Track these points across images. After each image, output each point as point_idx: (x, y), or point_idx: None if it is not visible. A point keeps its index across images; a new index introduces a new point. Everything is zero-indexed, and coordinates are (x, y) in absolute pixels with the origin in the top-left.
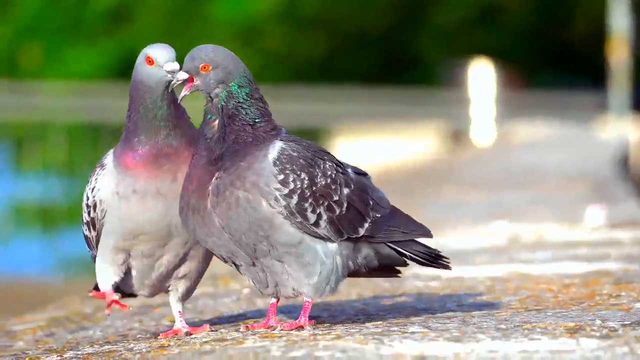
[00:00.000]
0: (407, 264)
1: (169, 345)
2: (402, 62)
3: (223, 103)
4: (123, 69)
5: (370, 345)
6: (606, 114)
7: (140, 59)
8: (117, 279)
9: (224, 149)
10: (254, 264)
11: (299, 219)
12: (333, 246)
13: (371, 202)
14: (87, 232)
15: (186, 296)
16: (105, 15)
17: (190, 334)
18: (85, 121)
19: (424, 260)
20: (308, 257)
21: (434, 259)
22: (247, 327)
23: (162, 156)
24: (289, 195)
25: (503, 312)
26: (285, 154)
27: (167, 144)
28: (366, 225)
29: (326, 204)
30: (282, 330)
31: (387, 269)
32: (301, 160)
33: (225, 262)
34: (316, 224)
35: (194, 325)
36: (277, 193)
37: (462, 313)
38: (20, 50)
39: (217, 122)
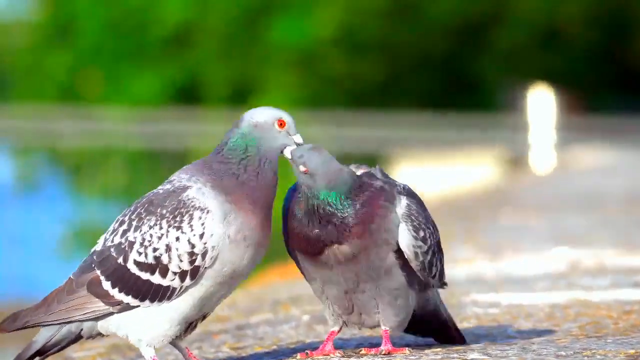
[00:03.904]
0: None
1: None
2: (462, 87)
3: (313, 202)
4: (183, 94)
5: None
6: None
7: (268, 118)
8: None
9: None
10: (346, 293)
11: (426, 272)
12: (414, 292)
13: None
14: (171, 282)
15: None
16: (165, 41)
17: None
18: (145, 147)
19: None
20: (401, 300)
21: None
22: (306, 353)
23: (264, 205)
24: (426, 252)
25: (563, 339)
26: (412, 209)
27: (269, 192)
28: (445, 270)
29: (440, 254)
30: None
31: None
32: (423, 213)
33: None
34: (434, 275)
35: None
36: (417, 250)
37: (522, 340)
38: (80, 77)
39: (303, 203)
